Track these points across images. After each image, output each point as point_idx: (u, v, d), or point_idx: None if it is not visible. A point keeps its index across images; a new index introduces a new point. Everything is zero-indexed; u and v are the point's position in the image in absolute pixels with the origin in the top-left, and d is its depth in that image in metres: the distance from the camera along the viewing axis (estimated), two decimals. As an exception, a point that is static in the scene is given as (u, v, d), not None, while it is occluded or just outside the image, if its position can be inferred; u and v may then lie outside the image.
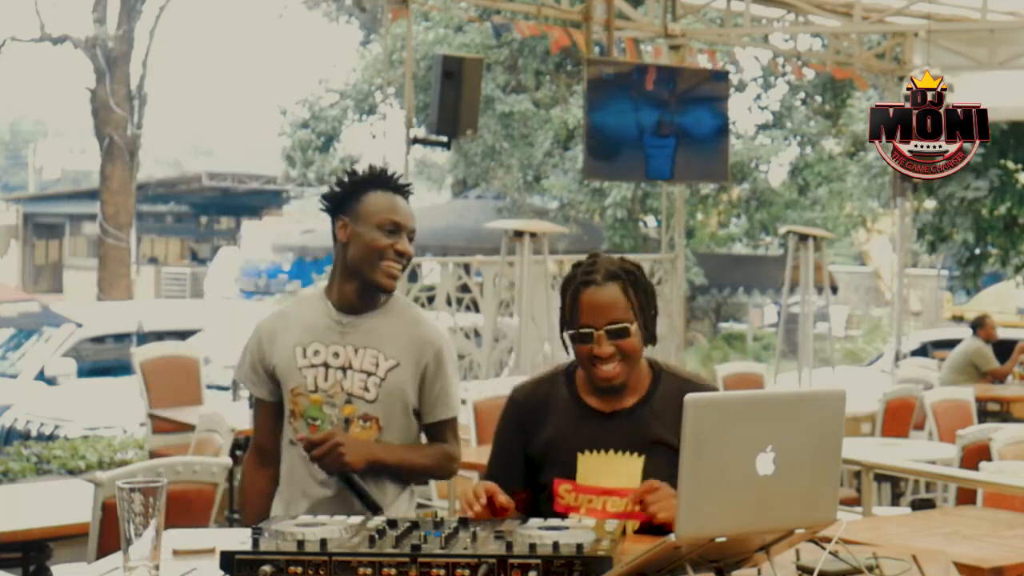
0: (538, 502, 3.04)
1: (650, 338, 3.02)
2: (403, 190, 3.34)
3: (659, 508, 2.81)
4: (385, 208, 3.26)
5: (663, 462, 2.92)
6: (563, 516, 2.94)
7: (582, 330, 2.95)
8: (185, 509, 4.10)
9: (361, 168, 3.37)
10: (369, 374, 3.26)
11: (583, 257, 3.08)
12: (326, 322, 3.29)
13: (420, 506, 6.67)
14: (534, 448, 3.05)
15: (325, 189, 3.64)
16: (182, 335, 11.93)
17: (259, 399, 3.38)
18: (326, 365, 3.26)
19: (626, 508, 2.92)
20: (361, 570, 2.39)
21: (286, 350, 3.29)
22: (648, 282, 3.03)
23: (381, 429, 3.28)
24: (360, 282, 3.28)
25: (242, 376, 3.41)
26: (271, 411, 3.37)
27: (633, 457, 2.96)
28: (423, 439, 3.40)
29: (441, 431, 3.37)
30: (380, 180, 3.31)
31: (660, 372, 3.06)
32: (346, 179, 3.33)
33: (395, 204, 3.28)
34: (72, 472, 8.76)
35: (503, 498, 2.83)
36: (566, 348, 3.07)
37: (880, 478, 7.00)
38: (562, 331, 3.05)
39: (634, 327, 2.95)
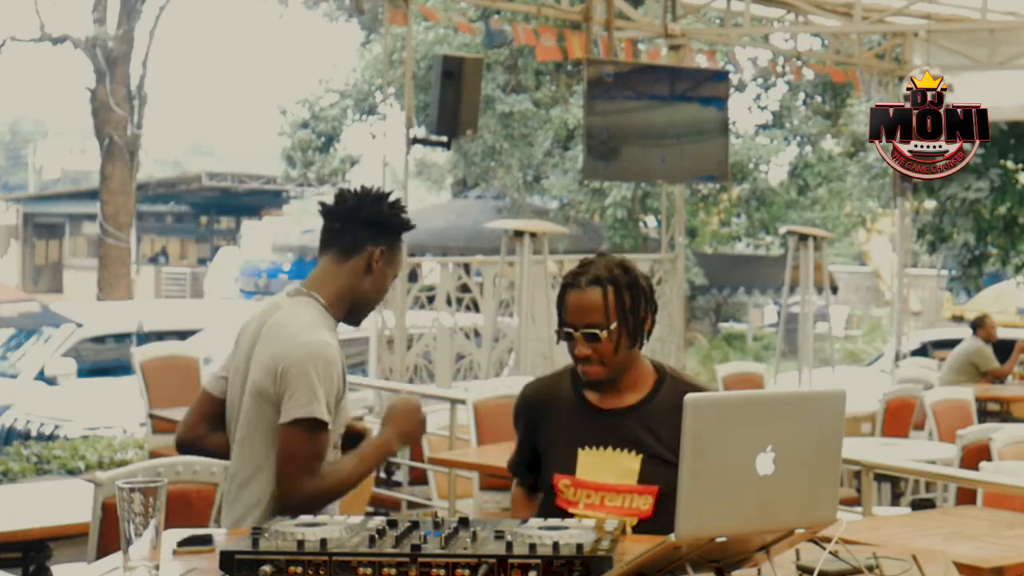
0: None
1: (633, 341, 3.05)
2: None
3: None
4: (402, 261, 3.34)
5: (660, 463, 2.98)
6: (563, 511, 3.00)
7: (565, 329, 3.06)
8: (185, 509, 4.10)
9: (397, 205, 3.24)
10: None
11: (587, 256, 3.14)
12: (338, 343, 3.22)
13: (420, 506, 6.69)
14: (539, 444, 3.14)
15: (326, 189, 3.61)
16: (182, 335, 11.92)
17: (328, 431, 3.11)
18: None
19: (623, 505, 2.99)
20: (361, 570, 2.40)
21: (344, 379, 3.17)
22: (641, 285, 3.06)
23: None
24: (363, 307, 3.27)
25: (326, 413, 3.06)
26: None
27: (631, 455, 3.02)
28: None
29: None
30: (407, 230, 3.31)
31: (664, 376, 3.11)
32: (394, 210, 3.23)
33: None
34: (72, 472, 8.75)
35: None
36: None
37: (880, 478, 6.99)
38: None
39: (606, 333, 3.00)
